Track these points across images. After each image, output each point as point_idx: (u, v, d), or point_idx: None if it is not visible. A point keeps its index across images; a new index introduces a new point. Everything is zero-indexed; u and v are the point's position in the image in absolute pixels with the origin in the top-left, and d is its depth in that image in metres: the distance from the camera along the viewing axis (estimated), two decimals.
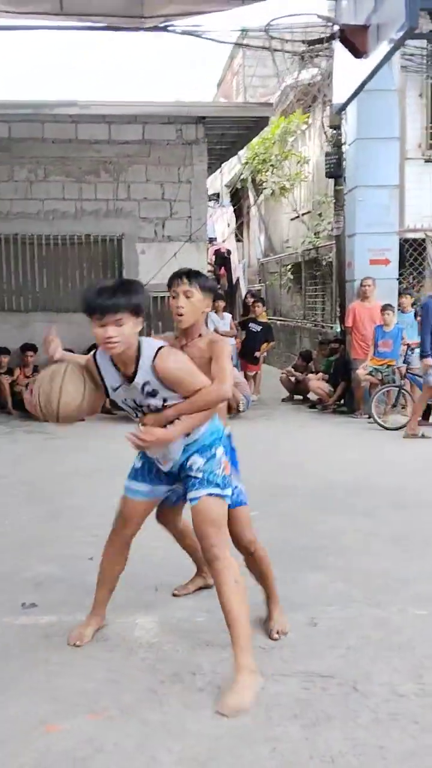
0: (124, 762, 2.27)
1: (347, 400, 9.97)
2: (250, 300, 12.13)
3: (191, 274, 3.07)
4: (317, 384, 10.22)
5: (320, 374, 10.50)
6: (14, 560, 4.13)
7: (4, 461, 6.85)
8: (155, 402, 2.87)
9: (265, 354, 11.49)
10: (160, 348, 2.82)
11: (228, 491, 2.94)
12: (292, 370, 11.34)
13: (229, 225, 21.60)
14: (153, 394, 2.85)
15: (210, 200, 16.80)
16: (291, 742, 2.36)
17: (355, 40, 7.90)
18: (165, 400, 2.87)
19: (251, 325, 11.24)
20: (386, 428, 8.45)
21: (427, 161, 11.49)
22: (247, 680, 2.64)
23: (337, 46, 8.72)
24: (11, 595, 3.61)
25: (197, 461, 2.92)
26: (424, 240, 11.39)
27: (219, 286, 17.38)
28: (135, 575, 3.85)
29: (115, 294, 2.72)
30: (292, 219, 15.98)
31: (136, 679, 2.77)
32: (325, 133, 11.74)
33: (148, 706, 2.58)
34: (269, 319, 13.56)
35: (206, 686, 2.71)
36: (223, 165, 15.67)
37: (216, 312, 11.00)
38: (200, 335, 3.12)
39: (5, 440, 8.04)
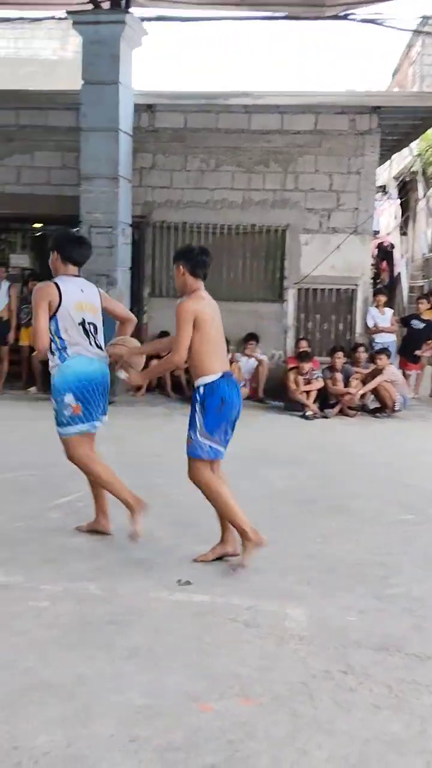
0: (274, 751, 2.28)
1: None
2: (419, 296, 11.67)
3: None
4: None
5: None
6: (173, 538, 4.27)
7: (161, 441, 7.09)
8: None
9: (428, 353, 11.07)
10: None
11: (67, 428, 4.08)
12: None
13: (396, 218, 20.96)
14: None
15: (377, 192, 16.38)
16: None
17: None
18: None
19: (414, 321, 10.85)
20: None
21: None
22: None
23: None
24: (168, 571, 3.74)
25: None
26: None
27: (379, 281, 16.95)
28: (287, 562, 3.87)
29: None
30: None
31: (287, 669, 2.78)
32: None
33: (299, 698, 2.58)
34: None
35: (357, 687, 2.67)
36: (393, 156, 15.21)
37: (377, 307, 10.74)
38: None
39: (163, 421, 8.35)
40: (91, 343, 4.12)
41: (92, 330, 4.15)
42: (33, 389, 9.96)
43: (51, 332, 4.04)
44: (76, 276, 4.25)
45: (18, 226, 11.30)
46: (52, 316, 4.03)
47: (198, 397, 3.85)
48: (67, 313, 4.04)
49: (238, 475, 4.68)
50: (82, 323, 4.09)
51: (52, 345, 4.05)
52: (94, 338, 4.15)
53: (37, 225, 12.21)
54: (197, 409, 3.84)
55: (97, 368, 4.13)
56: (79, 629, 3.07)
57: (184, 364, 3.94)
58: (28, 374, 10.22)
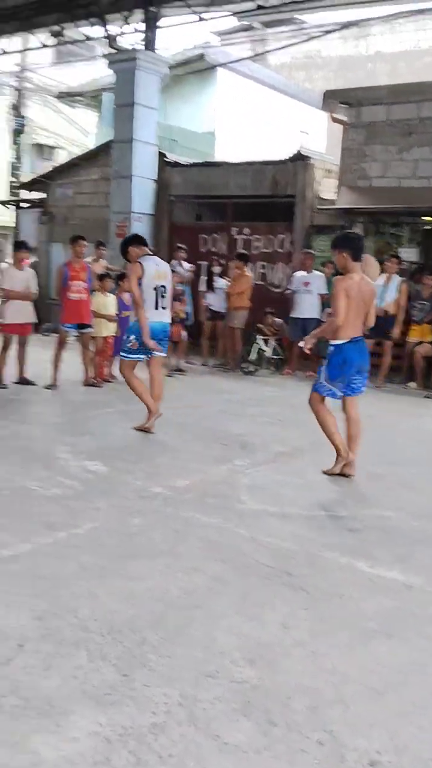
0: None
1: None
2: None
3: None
4: None
5: None
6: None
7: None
8: None
9: None
10: None
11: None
12: None
13: None
14: None
15: None
16: None
17: None
18: None
19: None
20: None
21: None
22: None
23: None
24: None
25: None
26: None
27: None
28: None
29: None
30: None
31: None
32: None
33: None
34: None
35: None
36: None
37: None
38: None
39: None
40: None
41: None
42: (412, 384, 9.89)
43: None
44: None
45: (409, 220, 11.25)
46: None
47: (329, 353, 5.20)
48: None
49: None
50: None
51: None
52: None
53: (428, 218, 12.00)
54: (327, 360, 5.20)
55: None
56: None
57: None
58: (409, 369, 10.15)
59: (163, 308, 6.33)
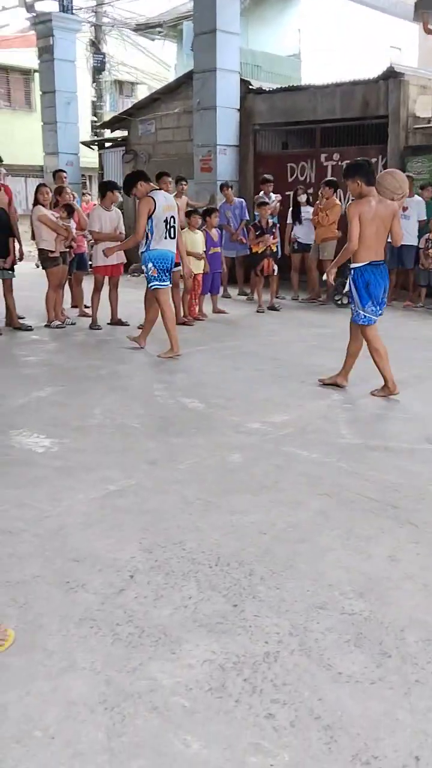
0: None
1: None
2: None
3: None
4: None
5: None
6: None
7: None
8: None
9: None
10: None
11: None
12: None
13: None
14: None
15: None
16: None
17: None
18: None
19: None
20: None
21: None
22: None
23: None
24: None
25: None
26: None
27: None
28: None
29: None
30: None
31: None
32: None
33: None
34: None
35: None
36: None
37: None
38: None
39: None
40: None
41: None
42: None
43: None
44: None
45: None
46: None
47: (351, 280, 5.32)
48: None
49: None
50: None
51: None
52: None
53: None
54: (353, 288, 5.30)
55: None
56: None
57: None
58: None
59: (172, 238, 6.70)
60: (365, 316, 5.34)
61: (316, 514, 3.36)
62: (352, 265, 5.31)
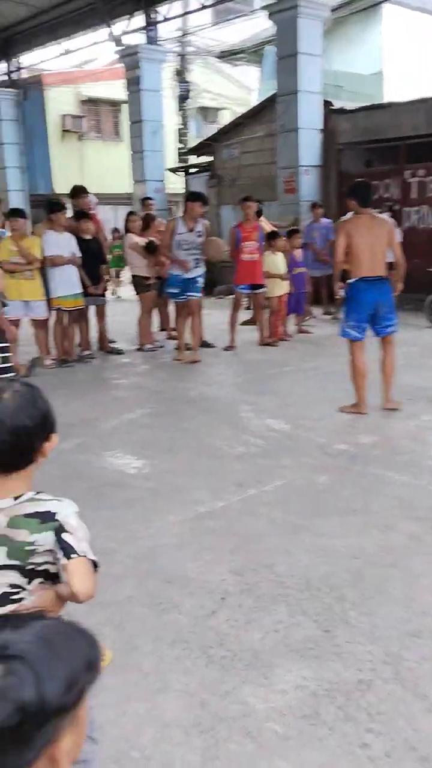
0: None
1: None
2: None
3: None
4: None
5: None
6: None
7: None
8: None
9: None
10: None
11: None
12: None
13: None
14: None
15: None
16: None
17: None
18: None
19: None
20: None
21: None
22: None
23: None
24: None
25: None
26: None
27: None
28: None
29: None
30: None
31: None
32: None
33: None
34: None
35: None
36: None
37: None
38: None
39: None
40: None
41: None
42: None
43: None
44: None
45: None
46: None
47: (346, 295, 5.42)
48: None
49: None
50: None
51: None
52: None
53: None
54: (345, 303, 5.45)
55: None
56: None
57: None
58: None
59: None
60: (346, 331, 5.43)
61: (408, 538, 3.29)
62: (349, 281, 5.41)
